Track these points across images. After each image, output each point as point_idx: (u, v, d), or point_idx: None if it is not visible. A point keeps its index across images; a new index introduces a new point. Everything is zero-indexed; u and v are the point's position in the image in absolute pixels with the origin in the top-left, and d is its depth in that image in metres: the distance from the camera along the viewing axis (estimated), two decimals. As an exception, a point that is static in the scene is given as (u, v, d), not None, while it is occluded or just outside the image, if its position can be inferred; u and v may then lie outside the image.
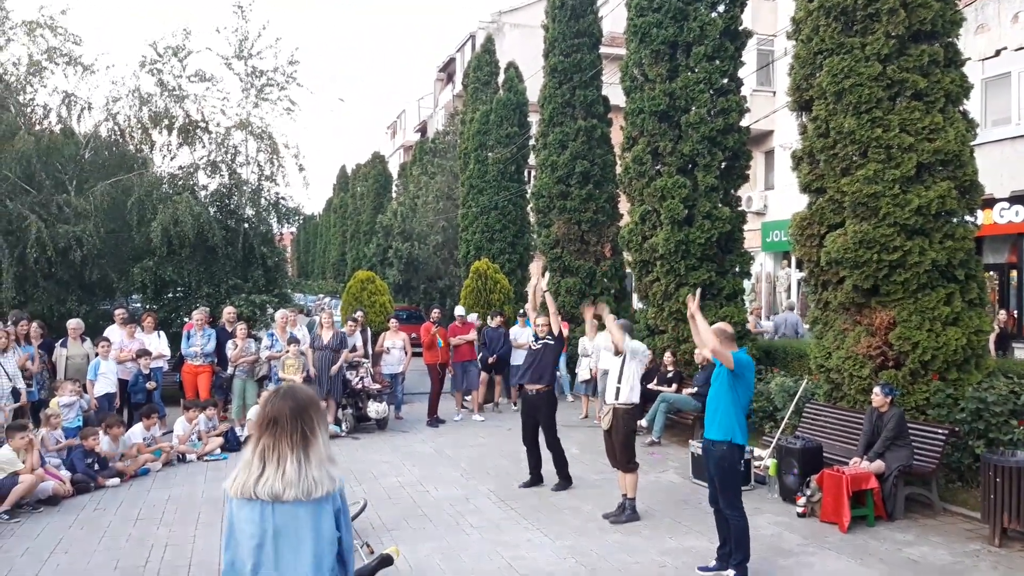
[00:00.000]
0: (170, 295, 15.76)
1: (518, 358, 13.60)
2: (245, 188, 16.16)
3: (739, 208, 12.20)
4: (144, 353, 11.22)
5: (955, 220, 8.47)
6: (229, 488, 2.84)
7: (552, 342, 8.77)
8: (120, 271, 15.63)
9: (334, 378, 11.61)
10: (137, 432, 9.78)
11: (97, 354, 10.69)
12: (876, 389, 7.74)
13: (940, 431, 7.76)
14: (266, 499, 2.77)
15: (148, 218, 14.91)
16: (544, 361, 8.72)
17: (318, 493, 2.82)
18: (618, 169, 13.96)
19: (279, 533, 2.80)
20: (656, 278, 12.01)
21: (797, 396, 9.39)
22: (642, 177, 12.14)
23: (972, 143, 8.56)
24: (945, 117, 8.42)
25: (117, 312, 12.29)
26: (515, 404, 14.35)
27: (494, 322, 13.85)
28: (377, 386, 12.23)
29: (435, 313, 13.68)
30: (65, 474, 8.38)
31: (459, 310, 14.14)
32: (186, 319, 13.37)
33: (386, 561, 5.80)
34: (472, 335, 13.45)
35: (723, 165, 11.82)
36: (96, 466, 8.79)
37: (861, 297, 8.71)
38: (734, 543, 5.93)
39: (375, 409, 11.85)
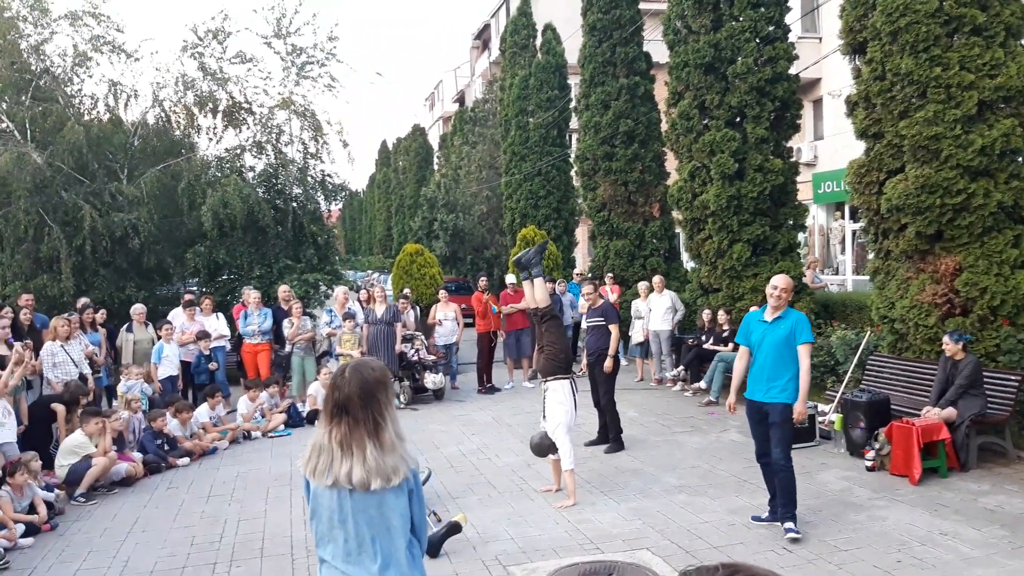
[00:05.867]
0: (224, 277, 16.02)
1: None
2: (291, 167, 16.28)
3: (791, 159, 11.89)
4: (204, 335, 11.43)
5: (1021, 159, 8.16)
6: (304, 470, 2.84)
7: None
8: (175, 256, 15.91)
9: (390, 352, 11.70)
10: (203, 412, 10.01)
11: (160, 337, 10.92)
12: (945, 338, 7.50)
13: (1013, 377, 7.53)
14: (349, 487, 2.74)
15: (198, 202, 15.12)
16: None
17: (397, 480, 2.78)
18: (664, 126, 13.70)
19: (357, 512, 2.79)
20: (708, 235, 11.80)
21: (860, 349, 9.19)
22: (690, 132, 11.89)
23: (1037, 76, 8.19)
24: (1006, 51, 8.08)
25: (186, 296, 12.57)
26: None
27: (553, 287, 13.69)
28: (432, 357, 12.31)
29: (482, 282, 13.62)
30: (137, 456, 8.61)
31: (509, 278, 14.07)
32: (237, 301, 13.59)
33: (455, 528, 5.87)
34: (524, 303, 13.34)
35: (772, 116, 11.50)
36: (166, 447, 9.03)
37: (924, 244, 8.45)
38: (787, 496, 5.92)
39: (432, 380, 11.95)
